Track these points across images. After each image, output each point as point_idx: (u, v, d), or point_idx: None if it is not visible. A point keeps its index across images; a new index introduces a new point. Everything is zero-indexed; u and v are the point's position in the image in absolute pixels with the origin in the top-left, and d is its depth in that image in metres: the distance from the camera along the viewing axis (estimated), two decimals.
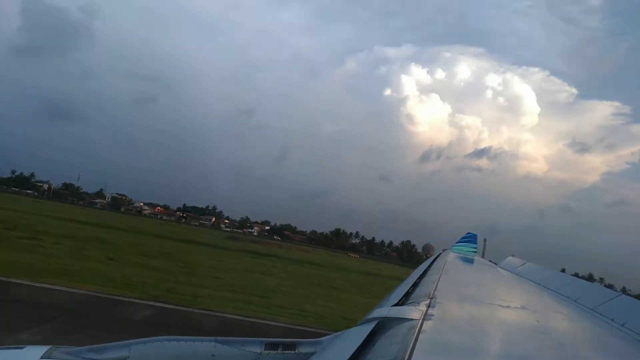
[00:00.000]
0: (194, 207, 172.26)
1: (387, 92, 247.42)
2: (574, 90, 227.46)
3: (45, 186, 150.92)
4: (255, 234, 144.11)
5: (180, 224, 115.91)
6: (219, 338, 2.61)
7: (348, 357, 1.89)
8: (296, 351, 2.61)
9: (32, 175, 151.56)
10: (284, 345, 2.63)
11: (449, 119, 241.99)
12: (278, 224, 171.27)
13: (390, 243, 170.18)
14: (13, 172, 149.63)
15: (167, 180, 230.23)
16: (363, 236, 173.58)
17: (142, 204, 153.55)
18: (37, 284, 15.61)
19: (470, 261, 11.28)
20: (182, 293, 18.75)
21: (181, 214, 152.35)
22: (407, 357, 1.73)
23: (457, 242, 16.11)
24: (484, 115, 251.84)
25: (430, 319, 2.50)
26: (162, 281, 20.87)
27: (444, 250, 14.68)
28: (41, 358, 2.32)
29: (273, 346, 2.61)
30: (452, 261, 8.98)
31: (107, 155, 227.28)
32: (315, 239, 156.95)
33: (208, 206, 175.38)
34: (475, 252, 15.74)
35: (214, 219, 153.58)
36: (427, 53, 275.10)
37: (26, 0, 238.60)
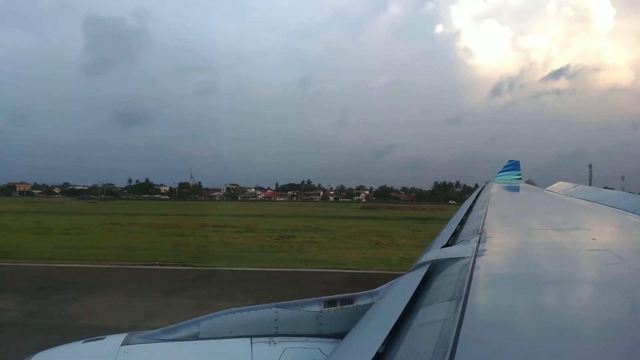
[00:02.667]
0: (290, 184, 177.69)
1: (439, 29, 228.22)
2: None
3: (164, 189, 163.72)
4: (363, 200, 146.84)
5: (305, 203, 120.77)
6: (279, 303, 2.69)
7: (405, 303, 1.89)
8: (354, 305, 2.64)
9: (147, 180, 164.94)
10: (342, 300, 2.67)
11: (512, 43, 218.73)
12: (373, 187, 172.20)
13: None
14: (129, 180, 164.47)
15: (245, 163, 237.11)
16: (464, 184, 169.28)
17: (253, 189, 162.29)
18: None
19: (515, 189, 10.71)
20: None
21: (293, 193, 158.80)
22: (463, 295, 1.71)
23: (499, 172, 15.60)
24: (550, 32, 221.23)
25: (483, 255, 2.47)
26: None
27: (487, 182, 13.93)
28: (121, 345, 2.47)
29: (331, 303, 2.65)
30: (497, 192, 8.55)
31: (181, 149, 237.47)
32: (422, 196, 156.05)
33: (303, 181, 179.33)
34: (520, 179, 15.04)
35: (322, 193, 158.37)
36: None
37: (86, 19, 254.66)
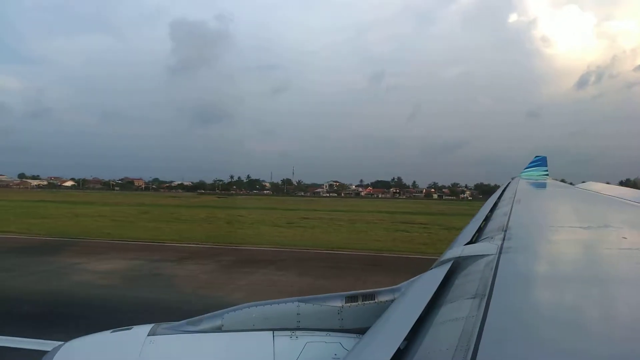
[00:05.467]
0: (380, 182, 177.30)
1: (513, 17, 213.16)
2: None
3: (267, 184, 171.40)
4: (469, 198, 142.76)
5: (414, 200, 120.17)
6: (301, 297, 2.65)
7: (427, 299, 1.81)
8: (376, 301, 2.56)
9: (249, 176, 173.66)
10: (363, 296, 2.60)
11: (596, 30, 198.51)
12: (469, 184, 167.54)
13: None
14: (231, 177, 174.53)
15: (326, 160, 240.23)
16: (562, 179, 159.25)
17: (354, 186, 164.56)
18: None
19: (542, 185, 10.27)
20: None
21: (395, 190, 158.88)
22: (487, 292, 1.63)
23: (525, 168, 14.92)
24: None
25: (508, 252, 2.34)
26: None
27: (512, 178, 13.01)
28: (147, 335, 2.51)
29: (353, 299, 2.60)
30: (523, 188, 8.21)
31: (256, 146, 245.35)
32: None
33: (393, 178, 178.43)
34: (547, 175, 14.30)
35: (424, 190, 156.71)
36: None
37: (174, 23, 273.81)
